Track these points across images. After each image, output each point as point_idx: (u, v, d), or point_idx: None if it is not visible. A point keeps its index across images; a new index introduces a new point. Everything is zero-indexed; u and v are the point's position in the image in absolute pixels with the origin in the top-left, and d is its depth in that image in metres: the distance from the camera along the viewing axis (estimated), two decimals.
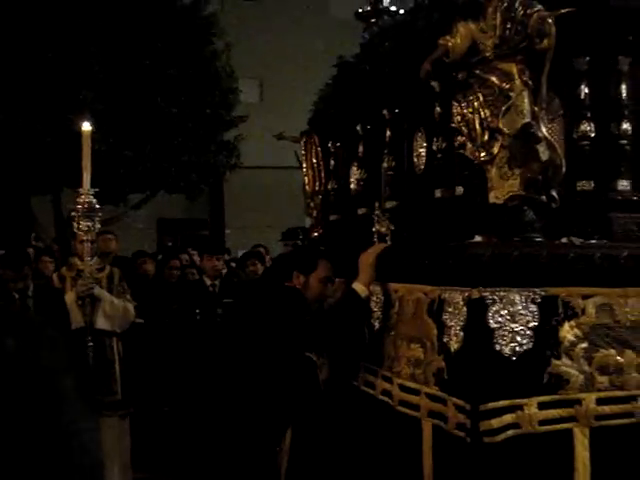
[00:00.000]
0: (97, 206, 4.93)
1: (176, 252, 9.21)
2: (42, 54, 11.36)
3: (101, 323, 5.49)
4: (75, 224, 4.93)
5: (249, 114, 14.29)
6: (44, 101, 11.33)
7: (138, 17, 11.92)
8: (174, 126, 12.33)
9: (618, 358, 2.93)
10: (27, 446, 0.72)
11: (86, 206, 4.86)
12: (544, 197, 2.91)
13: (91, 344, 5.00)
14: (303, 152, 5.14)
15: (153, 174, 12.55)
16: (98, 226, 5.00)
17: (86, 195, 4.87)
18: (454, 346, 2.85)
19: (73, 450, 0.74)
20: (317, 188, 5.00)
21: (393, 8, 4.90)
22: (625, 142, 3.11)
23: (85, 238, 4.94)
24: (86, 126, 4.92)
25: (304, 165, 5.13)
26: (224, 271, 7.14)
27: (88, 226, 4.90)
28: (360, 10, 5.06)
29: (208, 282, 6.55)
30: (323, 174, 4.93)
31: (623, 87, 3.12)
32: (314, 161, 4.99)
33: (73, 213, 4.96)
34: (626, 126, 3.11)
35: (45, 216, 13.64)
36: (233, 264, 9.27)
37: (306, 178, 5.10)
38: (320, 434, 3.80)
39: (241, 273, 7.81)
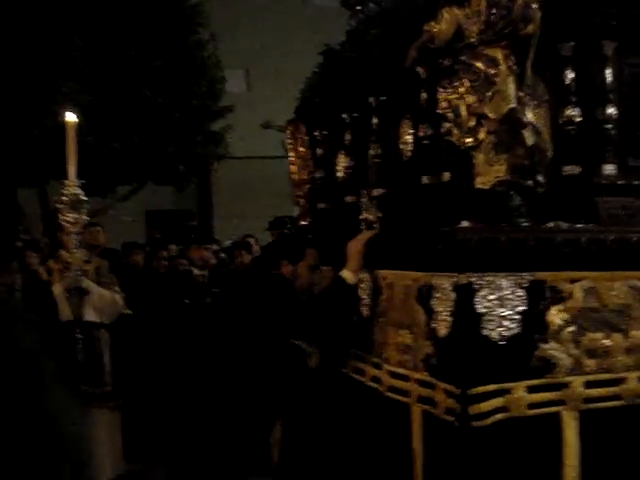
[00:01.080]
0: (83, 197, 4.89)
1: (164, 243, 9.17)
2: (26, 45, 11.27)
3: (89, 315, 5.47)
4: (61, 216, 4.90)
5: (235, 104, 14.24)
6: (30, 93, 11.26)
7: (123, 7, 11.85)
8: (161, 117, 12.28)
9: (605, 341, 2.95)
10: (10, 429, 0.71)
11: (72, 198, 4.83)
12: (530, 182, 2.93)
13: (80, 336, 4.98)
14: (290, 141, 5.12)
15: (140, 165, 12.51)
16: (85, 218, 4.96)
17: (72, 187, 4.83)
18: (442, 332, 2.87)
19: (56, 433, 0.74)
20: (304, 177, 4.99)
21: None
22: (610, 126, 3.11)
23: (72, 230, 4.91)
24: (70, 117, 4.87)
25: (291, 154, 5.12)
26: (212, 261, 7.13)
27: (75, 218, 4.85)
28: None
29: (197, 272, 6.54)
30: (310, 163, 4.92)
31: (608, 72, 3.13)
32: (301, 150, 4.98)
33: (59, 205, 4.92)
34: (611, 110, 3.11)
35: (32, 209, 13.57)
36: (222, 254, 9.25)
37: (293, 167, 5.09)
38: (310, 421, 3.81)
39: (229, 263, 7.81)
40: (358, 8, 4.86)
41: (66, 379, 0.79)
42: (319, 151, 4.77)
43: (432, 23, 2.97)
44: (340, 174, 4.42)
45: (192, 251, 6.64)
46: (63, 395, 0.75)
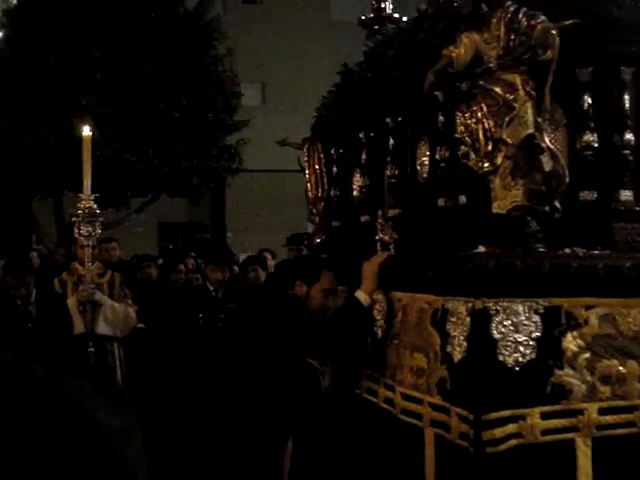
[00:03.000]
0: (97, 211, 4.93)
1: (181, 256, 9.19)
2: (45, 59, 11.38)
3: (102, 328, 5.49)
4: (76, 229, 4.94)
5: (251, 117, 14.31)
6: (47, 105, 11.35)
7: (141, 22, 11.95)
8: (176, 130, 12.35)
9: (620, 368, 2.94)
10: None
11: (87, 211, 4.87)
12: (547, 207, 2.92)
13: (92, 349, 5.01)
14: (306, 158, 5.13)
15: (155, 178, 12.57)
16: (99, 231, 5.00)
17: (87, 200, 4.87)
18: (457, 356, 2.86)
19: None
20: (320, 194, 4.99)
21: (396, 15, 4.90)
22: (628, 152, 3.12)
23: (86, 243, 4.94)
24: (86, 131, 4.92)
25: (307, 171, 5.13)
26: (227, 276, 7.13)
27: (89, 231, 4.89)
28: (363, 17, 5.07)
29: (211, 287, 6.55)
30: (326, 180, 4.92)
31: (626, 98, 3.13)
32: (317, 167, 4.98)
33: (74, 218, 4.96)
34: (629, 136, 3.12)
35: (47, 220, 13.65)
36: (235, 267, 9.25)
37: (308, 184, 5.10)
38: (322, 441, 3.80)
39: (242, 278, 7.80)
40: (375, 28, 4.89)
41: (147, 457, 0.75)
42: (335, 169, 4.78)
43: (451, 47, 2.98)
44: (355, 193, 4.42)
45: (208, 271, 6.65)
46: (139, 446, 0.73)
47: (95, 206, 4.90)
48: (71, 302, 5.44)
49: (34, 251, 9.40)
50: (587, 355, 2.88)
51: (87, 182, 4.88)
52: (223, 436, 3.78)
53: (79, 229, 4.90)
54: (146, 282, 7.77)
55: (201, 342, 6.10)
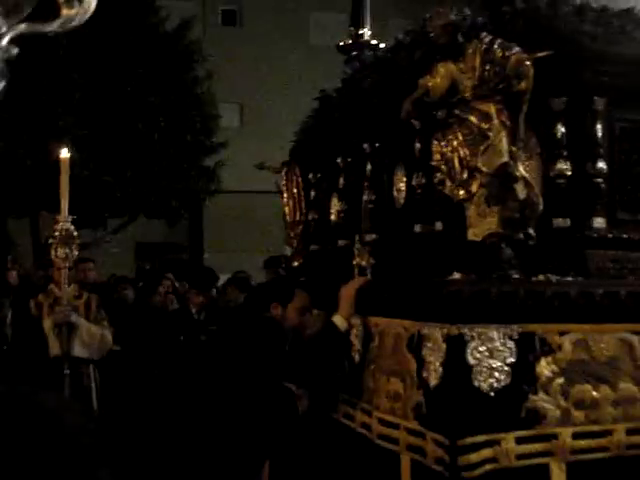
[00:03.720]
0: (75, 233, 4.93)
1: (159, 278, 9.16)
2: (23, 79, 11.34)
3: (78, 351, 5.46)
4: (53, 251, 4.93)
5: (229, 138, 14.35)
6: (25, 125, 11.31)
7: (120, 43, 11.97)
8: (155, 152, 12.34)
9: (594, 393, 2.98)
10: None
11: (64, 233, 4.87)
12: (521, 235, 2.96)
13: (68, 372, 4.98)
14: (284, 182, 5.17)
15: (133, 199, 12.55)
16: (76, 253, 5.00)
17: (64, 222, 4.87)
18: (433, 381, 2.88)
19: None
20: (298, 218, 5.03)
21: (374, 42, 4.97)
22: (600, 180, 3.17)
23: (62, 265, 4.94)
24: (64, 153, 4.93)
25: (285, 195, 5.16)
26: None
27: (66, 253, 4.90)
28: (341, 43, 5.13)
29: (194, 310, 6.56)
30: (304, 204, 4.96)
31: (598, 127, 3.19)
32: (295, 191, 5.02)
33: (50, 240, 4.96)
34: (601, 165, 3.18)
35: (22, 239, 13.55)
36: (213, 289, 9.23)
37: (287, 208, 5.13)
38: (299, 465, 3.80)
39: (220, 300, 7.80)
40: (353, 54, 4.95)
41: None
42: (313, 194, 4.82)
43: (427, 77, 3.03)
44: (333, 217, 4.46)
45: (191, 296, 6.67)
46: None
47: (72, 228, 4.91)
48: (47, 324, 5.41)
49: (12, 270, 9.31)
50: (561, 380, 2.91)
51: (65, 203, 4.88)
52: (200, 460, 3.76)
53: (56, 251, 4.89)
54: (122, 303, 7.74)
55: (179, 365, 6.08)
